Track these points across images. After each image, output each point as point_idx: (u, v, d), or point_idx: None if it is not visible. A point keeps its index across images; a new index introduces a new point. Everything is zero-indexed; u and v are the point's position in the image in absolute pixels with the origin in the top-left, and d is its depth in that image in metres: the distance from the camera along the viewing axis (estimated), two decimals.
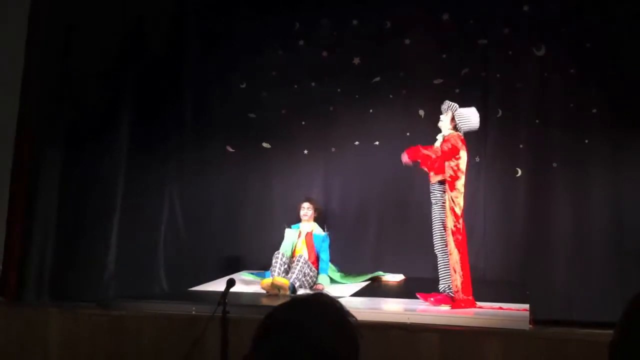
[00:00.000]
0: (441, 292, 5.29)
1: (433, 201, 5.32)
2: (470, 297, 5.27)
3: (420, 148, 5.36)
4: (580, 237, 6.45)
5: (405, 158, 5.34)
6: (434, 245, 5.31)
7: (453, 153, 5.24)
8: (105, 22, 6.68)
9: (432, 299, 5.25)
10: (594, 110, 6.60)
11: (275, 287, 5.78)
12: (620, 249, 6.26)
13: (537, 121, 6.74)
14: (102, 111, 6.75)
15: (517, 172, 6.74)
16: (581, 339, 4.51)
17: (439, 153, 5.31)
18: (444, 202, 5.25)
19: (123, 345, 4.88)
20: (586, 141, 6.59)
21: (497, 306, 5.27)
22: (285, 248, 6.19)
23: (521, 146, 6.77)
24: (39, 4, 6.43)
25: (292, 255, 6.20)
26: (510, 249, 6.59)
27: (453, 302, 5.21)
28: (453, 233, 5.21)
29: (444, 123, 5.41)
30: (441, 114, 5.48)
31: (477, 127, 5.48)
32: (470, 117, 5.42)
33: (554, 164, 6.65)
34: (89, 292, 6.14)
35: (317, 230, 6.32)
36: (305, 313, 1.46)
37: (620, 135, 6.50)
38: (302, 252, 6.19)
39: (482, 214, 6.76)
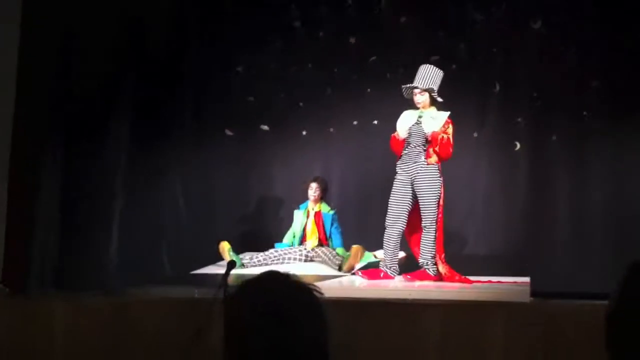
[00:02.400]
0: (420, 267, 5.37)
1: (421, 175, 5.34)
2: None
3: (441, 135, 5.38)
4: (580, 209, 6.46)
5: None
6: (423, 218, 5.37)
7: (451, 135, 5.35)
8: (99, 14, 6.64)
9: (408, 276, 5.32)
10: (594, 84, 6.58)
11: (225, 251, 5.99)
12: (620, 221, 6.27)
13: (535, 94, 6.72)
14: (100, 102, 6.73)
15: (516, 146, 6.74)
16: (582, 310, 4.54)
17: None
18: (437, 176, 5.30)
19: (127, 331, 4.92)
20: (585, 114, 6.58)
21: (496, 280, 5.31)
22: (295, 229, 6.33)
23: (519, 120, 6.76)
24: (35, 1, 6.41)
25: (303, 237, 6.31)
26: (510, 223, 6.60)
27: (434, 277, 5.27)
28: (441, 210, 5.32)
29: (426, 102, 5.45)
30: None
31: (442, 72, 5.60)
32: (432, 74, 5.52)
33: (553, 137, 6.64)
34: (92, 280, 6.16)
35: (325, 208, 6.37)
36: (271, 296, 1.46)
37: (620, 108, 6.47)
38: (312, 231, 6.30)
39: (482, 189, 6.77)
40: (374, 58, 7.10)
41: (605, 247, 6.15)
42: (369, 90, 7.10)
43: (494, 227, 6.66)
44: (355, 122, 7.06)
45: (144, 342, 4.85)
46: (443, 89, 5.76)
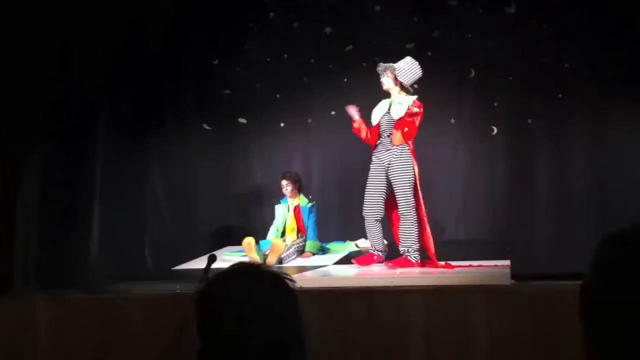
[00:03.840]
0: (401, 255, 5.37)
1: (395, 162, 5.36)
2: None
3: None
4: (560, 191, 6.53)
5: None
6: (399, 205, 5.37)
7: (420, 115, 5.34)
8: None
9: (390, 264, 5.33)
10: (566, 65, 6.64)
11: (252, 247, 5.85)
12: (600, 201, 6.34)
13: (510, 79, 6.78)
14: (78, 101, 6.68)
15: (493, 131, 6.79)
16: (563, 290, 4.58)
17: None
18: (410, 162, 5.32)
19: (111, 328, 4.91)
20: (560, 95, 6.64)
21: (477, 264, 5.34)
22: (277, 224, 6.29)
23: (496, 104, 6.80)
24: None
25: (284, 231, 6.29)
26: (490, 208, 6.66)
27: (416, 263, 5.27)
28: (420, 194, 5.32)
29: (390, 86, 5.46)
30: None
31: (421, 74, 5.51)
32: (411, 68, 5.46)
33: (529, 120, 6.70)
34: (75, 279, 6.14)
35: (303, 201, 6.35)
36: (238, 289, 1.46)
37: (594, 89, 6.56)
38: (292, 225, 6.26)
39: (461, 175, 6.81)
40: (349, 47, 7.11)
41: (586, 227, 6.20)
42: (345, 80, 7.11)
43: (474, 212, 6.71)
44: (333, 113, 7.06)
45: (129, 338, 4.85)
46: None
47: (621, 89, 6.39)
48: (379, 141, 5.53)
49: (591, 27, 6.51)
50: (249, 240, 5.95)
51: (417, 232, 5.32)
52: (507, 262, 5.29)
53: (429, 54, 6.86)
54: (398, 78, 5.45)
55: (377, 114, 5.56)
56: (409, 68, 5.49)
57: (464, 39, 6.89)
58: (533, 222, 6.52)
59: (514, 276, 4.99)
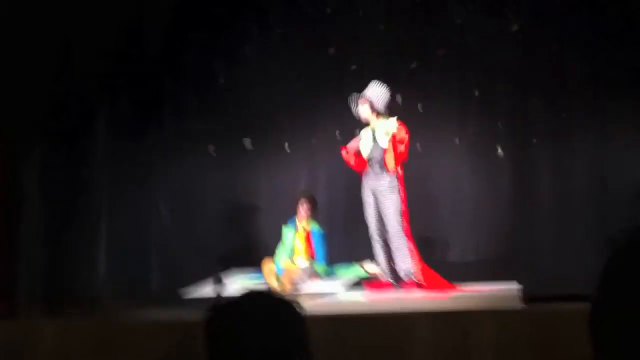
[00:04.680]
0: (404, 278, 5.41)
1: (384, 190, 5.46)
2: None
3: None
4: (565, 211, 6.51)
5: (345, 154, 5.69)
6: (389, 232, 5.40)
7: (407, 141, 5.37)
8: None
9: (399, 288, 5.37)
10: (571, 84, 6.64)
11: (273, 273, 5.83)
12: (606, 221, 6.31)
13: (514, 99, 6.77)
14: (82, 118, 6.66)
15: (498, 150, 6.77)
16: (573, 312, 4.54)
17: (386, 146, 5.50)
18: (398, 189, 5.36)
19: (116, 352, 4.85)
20: (564, 115, 6.64)
21: (487, 287, 5.32)
22: (286, 247, 6.28)
23: (500, 125, 6.80)
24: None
25: (293, 254, 6.28)
26: (497, 228, 6.63)
27: (423, 285, 5.30)
28: (406, 218, 5.35)
29: (367, 115, 5.49)
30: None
31: (389, 94, 5.65)
32: (382, 93, 5.56)
33: (534, 140, 6.70)
34: (80, 300, 6.10)
35: (315, 227, 6.32)
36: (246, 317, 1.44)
37: (598, 108, 6.57)
38: (301, 249, 6.27)
39: (467, 196, 6.79)
40: (354, 67, 7.10)
41: (592, 248, 6.17)
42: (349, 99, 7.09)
43: (480, 233, 6.68)
44: (337, 132, 7.03)
45: None
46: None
47: (630, 113, 6.42)
48: (369, 167, 5.59)
49: (595, 48, 6.52)
50: (270, 267, 5.92)
51: (410, 255, 5.36)
52: (517, 285, 5.25)
53: (434, 73, 6.86)
54: (375, 107, 5.47)
55: (366, 145, 5.61)
56: (379, 94, 5.62)
57: (468, 58, 6.88)
58: (540, 242, 6.49)
59: (523, 299, 4.96)
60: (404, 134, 5.47)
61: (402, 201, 5.48)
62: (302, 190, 6.54)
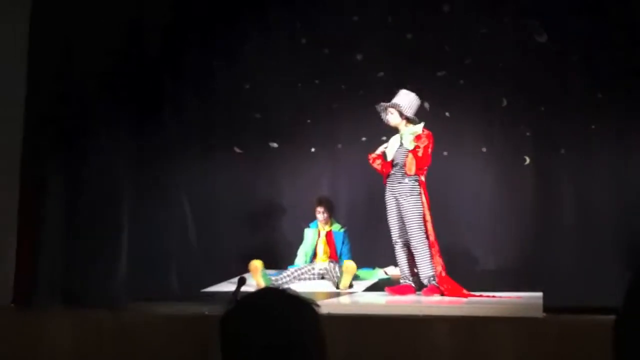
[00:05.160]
0: (426, 284, 5.42)
1: (406, 194, 5.51)
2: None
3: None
4: (591, 222, 6.43)
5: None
6: (410, 236, 5.44)
7: (431, 148, 5.46)
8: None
9: (419, 293, 5.38)
10: (599, 95, 6.58)
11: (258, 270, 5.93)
12: (630, 233, 6.24)
13: (542, 108, 6.73)
14: (106, 117, 6.72)
15: (525, 161, 6.73)
16: (595, 324, 4.49)
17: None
18: (419, 194, 5.40)
19: (134, 348, 4.89)
20: (593, 127, 6.59)
21: (507, 295, 5.28)
22: (306, 249, 6.35)
23: (528, 134, 6.76)
24: (40, 15, 6.42)
25: (314, 256, 6.32)
26: (521, 238, 6.58)
27: (443, 290, 5.30)
28: (430, 223, 5.35)
29: (397, 121, 5.63)
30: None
31: (419, 101, 5.77)
32: (411, 100, 5.66)
33: (562, 151, 6.64)
34: (101, 296, 6.14)
35: (336, 227, 6.37)
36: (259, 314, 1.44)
37: (627, 120, 6.51)
38: (324, 250, 6.33)
39: (492, 204, 6.76)
40: (381, 74, 7.11)
41: (617, 260, 6.11)
42: (376, 106, 7.09)
43: (504, 242, 6.64)
44: (364, 139, 7.04)
45: (152, 357, 4.82)
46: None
47: None
48: (391, 172, 5.67)
49: (623, 58, 6.46)
50: (256, 264, 5.97)
51: (431, 259, 5.36)
52: (540, 294, 5.20)
53: (461, 81, 6.86)
54: (403, 113, 5.60)
55: (392, 149, 5.71)
56: (409, 101, 5.71)
57: (495, 67, 6.86)
58: (564, 252, 6.42)
59: (546, 308, 4.91)
60: (425, 139, 5.53)
61: (424, 206, 5.48)
62: (318, 197, 6.53)
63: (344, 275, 5.93)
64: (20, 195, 6.26)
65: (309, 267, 6.27)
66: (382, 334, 4.56)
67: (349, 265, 5.98)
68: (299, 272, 6.23)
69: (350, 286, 5.97)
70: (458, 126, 6.92)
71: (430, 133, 5.67)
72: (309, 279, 6.22)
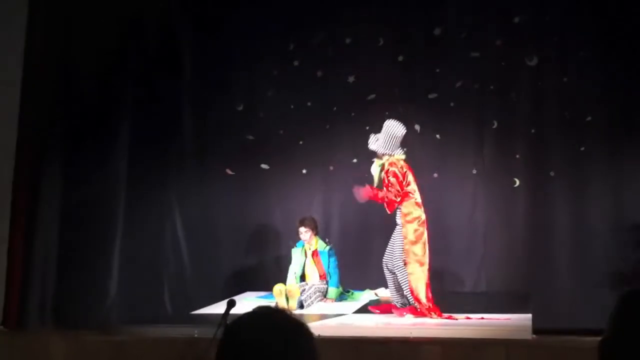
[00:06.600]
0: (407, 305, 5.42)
1: (397, 222, 5.55)
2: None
3: (370, 189, 5.61)
4: (581, 244, 6.47)
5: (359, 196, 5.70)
6: (393, 261, 5.47)
7: (396, 183, 5.40)
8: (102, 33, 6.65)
9: (404, 313, 5.36)
10: (589, 118, 6.65)
11: (282, 294, 5.92)
12: (620, 255, 6.27)
13: (532, 131, 6.79)
14: (100, 133, 6.73)
15: (515, 183, 6.77)
16: (584, 347, 4.51)
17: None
18: (404, 220, 5.48)
19: None
20: (582, 149, 6.64)
21: (497, 317, 5.29)
22: (295, 269, 6.35)
23: (517, 156, 6.80)
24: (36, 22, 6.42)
25: (303, 275, 6.35)
26: (511, 260, 6.61)
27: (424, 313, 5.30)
28: (421, 246, 5.31)
29: (378, 150, 5.64)
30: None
31: (404, 131, 5.65)
32: (386, 140, 5.56)
33: (551, 173, 6.69)
34: (92, 318, 6.14)
35: (321, 245, 6.37)
36: (257, 330, 1.46)
37: (616, 142, 6.57)
38: (312, 270, 6.33)
39: (482, 226, 6.78)
40: (372, 96, 7.16)
41: (606, 282, 6.13)
42: (367, 127, 7.13)
43: (494, 264, 6.65)
44: (355, 160, 7.08)
45: None
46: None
47: None
48: None
49: (613, 81, 6.54)
50: (280, 288, 6.01)
51: (412, 284, 5.36)
52: (529, 316, 5.21)
53: (451, 104, 6.91)
54: (378, 152, 5.59)
55: (376, 177, 5.73)
56: (384, 142, 5.62)
57: (486, 91, 6.92)
58: (554, 274, 6.45)
59: (535, 330, 4.92)
60: (386, 178, 5.50)
61: (414, 231, 5.42)
62: (300, 218, 6.54)
63: (290, 300, 5.94)
64: (12, 218, 6.25)
65: (310, 286, 6.29)
66: (372, 356, 4.57)
67: (292, 289, 6.00)
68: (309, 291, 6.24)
69: (301, 307, 5.98)
70: (448, 148, 6.98)
71: (394, 163, 5.55)
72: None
